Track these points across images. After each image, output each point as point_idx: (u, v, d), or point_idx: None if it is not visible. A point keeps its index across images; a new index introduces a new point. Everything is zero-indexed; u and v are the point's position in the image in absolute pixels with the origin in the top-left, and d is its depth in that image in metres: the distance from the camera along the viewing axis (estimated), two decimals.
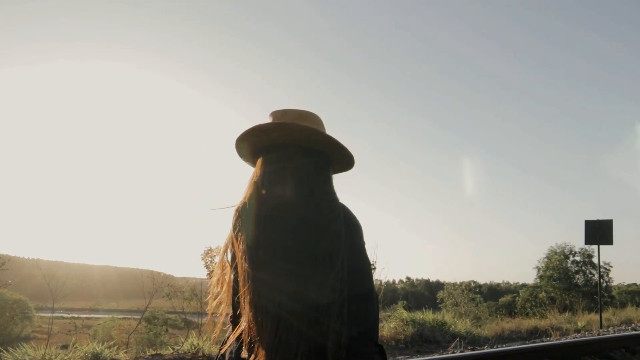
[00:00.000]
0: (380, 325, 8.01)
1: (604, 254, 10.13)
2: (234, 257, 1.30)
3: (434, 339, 7.79)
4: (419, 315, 8.52)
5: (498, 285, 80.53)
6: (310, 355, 1.13)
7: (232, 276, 1.31)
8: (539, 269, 32.81)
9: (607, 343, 6.07)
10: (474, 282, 33.10)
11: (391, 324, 8.19)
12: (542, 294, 29.05)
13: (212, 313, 1.38)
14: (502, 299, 38.72)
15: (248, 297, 1.19)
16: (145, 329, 13.17)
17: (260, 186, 1.31)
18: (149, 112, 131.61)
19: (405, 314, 8.52)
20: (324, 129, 1.40)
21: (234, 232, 1.29)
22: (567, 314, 12.72)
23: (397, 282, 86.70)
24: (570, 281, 31.03)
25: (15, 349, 5.34)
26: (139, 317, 12.18)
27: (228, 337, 1.38)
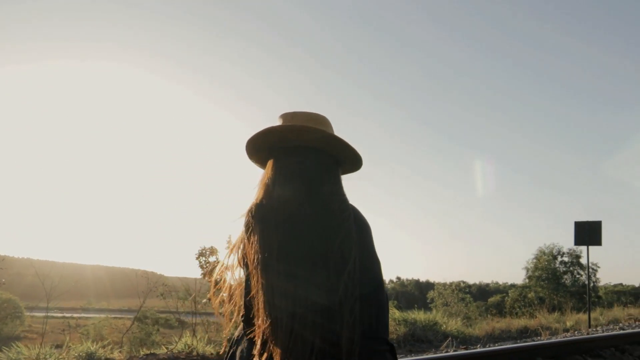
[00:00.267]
0: None
1: (591, 254, 10.36)
2: (245, 258, 1.31)
3: (425, 338, 7.84)
4: (410, 315, 8.57)
5: (487, 285, 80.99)
6: (325, 354, 1.14)
7: (243, 276, 1.33)
8: (527, 269, 33.09)
9: (597, 342, 6.16)
10: (464, 282, 33.32)
11: None
12: (531, 294, 29.32)
13: (223, 311, 1.40)
14: (491, 299, 39.04)
15: (262, 297, 1.20)
16: (137, 329, 13.11)
17: (271, 187, 1.33)
18: (143, 110, 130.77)
19: (397, 314, 8.56)
20: (332, 130, 1.43)
21: (246, 233, 1.30)
22: (556, 313, 12.86)
23: (387, 282, 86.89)
24: (559, 281, 31.34)
25: (10, 349, 5.30)
26: (131, 316, 12.13)
27: (238, 336, 1.41)
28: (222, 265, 1.39)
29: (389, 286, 79.39)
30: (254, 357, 1.22)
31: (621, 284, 44.54)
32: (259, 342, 1.20)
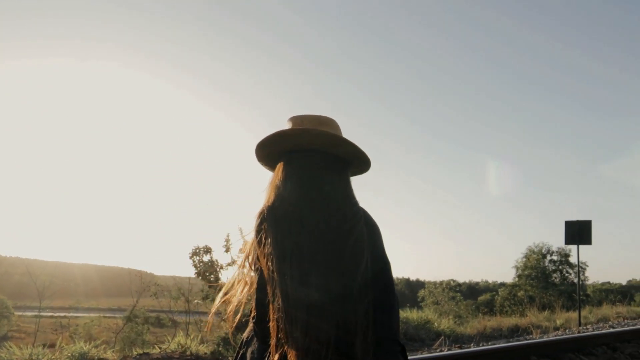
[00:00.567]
0: None
1: (580, 253, 10.46)
2: (256, 262, 1.32)
3: (418, 337, 7.88)
4: (403, 314, 8.61)
5: (477, 284, 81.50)
6: (340, 355, 1.16)
7: (256, 279, 1.33)
8: (517, 268, 33.36)
9: (588, 340, 6.22)
10: (454, 280, 33.42)
11: None
12: (521, 293, 29.56)
13: (231, 312, 1.40)
14: (481, 298, 39.25)
15: (277, 299, 1.20)
16: (127, 328, 13.04)
17: (282, 190, 1.33)
18: (140, 110, 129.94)
19: None
20: (341, 133, 1.44)
21: (257, 236, 1.30)
22: (546, 312, 12.98)
23: None
24: (548, 280, 31.64)
25: (1, 349, 5.25)
26: (120, 315, 12.06)
27: (248, 338, 1.41)
28: (236, 273, 1.40)
29: None
30: (264, 358, 1.22)
31: (609, 283, 45.10)
32: (273, 342, 1.20)
